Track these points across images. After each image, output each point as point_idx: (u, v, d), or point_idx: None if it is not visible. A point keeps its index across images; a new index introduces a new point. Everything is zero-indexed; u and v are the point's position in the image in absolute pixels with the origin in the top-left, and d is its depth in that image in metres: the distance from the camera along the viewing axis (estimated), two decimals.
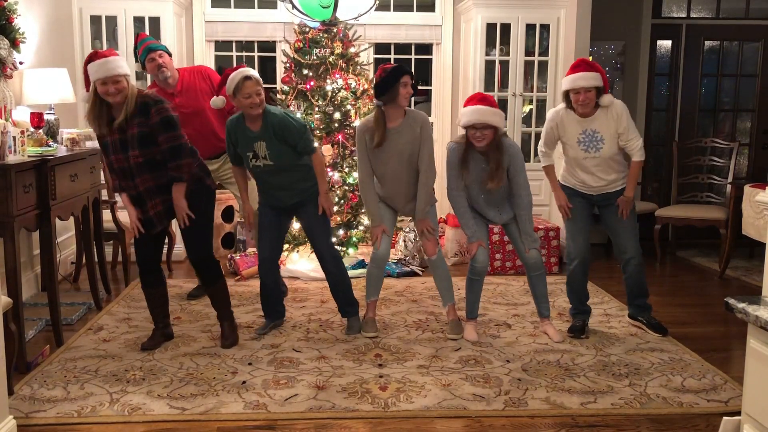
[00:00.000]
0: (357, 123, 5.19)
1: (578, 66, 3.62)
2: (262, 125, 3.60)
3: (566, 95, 3.69)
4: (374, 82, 3.71)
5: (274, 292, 3.93)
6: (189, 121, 4.16)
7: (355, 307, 3.96)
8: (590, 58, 5.85)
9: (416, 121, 3.75)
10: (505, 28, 5.71)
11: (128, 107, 3.33)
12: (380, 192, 3.88)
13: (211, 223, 3.74)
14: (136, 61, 4.41)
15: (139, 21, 5.41)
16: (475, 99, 3.62)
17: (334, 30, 5.16)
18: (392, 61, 6.13)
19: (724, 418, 2.57)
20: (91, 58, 3.34)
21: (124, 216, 4.85)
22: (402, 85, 3.60)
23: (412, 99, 5.90)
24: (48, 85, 4.37)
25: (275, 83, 5.98)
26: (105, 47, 5.41)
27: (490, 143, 3.58)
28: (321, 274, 5.04)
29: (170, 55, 4.35)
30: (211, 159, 4.45)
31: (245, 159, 3.69)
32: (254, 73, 3.58)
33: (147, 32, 5.40)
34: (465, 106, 3.64)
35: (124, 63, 3.38)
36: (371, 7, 5.23)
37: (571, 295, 3.97)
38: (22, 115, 4.06)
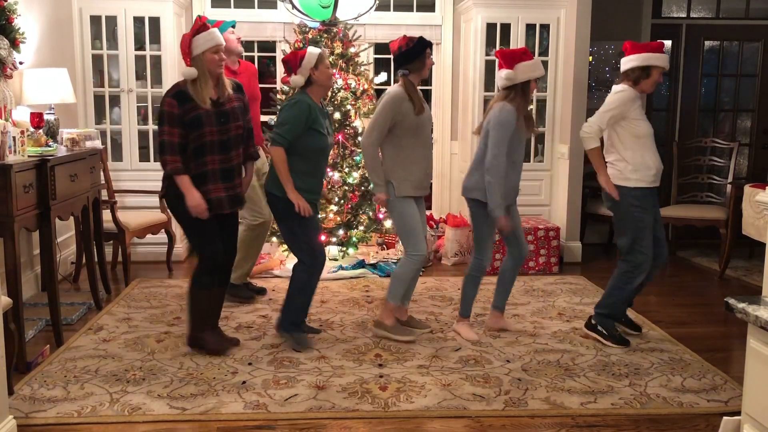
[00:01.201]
0: (357, 123, 5.20)
1: (661, 47, 3.67)
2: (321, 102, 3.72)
3: (644, 71, 3.62)
4: (400, 50, 3.65)
5: None
6: None
7: None
8: (590, 58, 5.86)
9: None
10: (505, 28, 5.71)
11: (224, 81, 3.43)
12: (413, 176, 3.66)
13: None
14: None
15: (139, 21, 5.40)
16: (530, 53, 3.68)
17: (334, 30, 5.16)
18: (392, 61, 6.13)
19: (724, 418, 2.57)
20: (198, 30, 3.34)
21: (124, 216, 4.86)
22: (427, 55, 3.66)
23: None
24: (48, 85, 4.37)
25: (275, 83, 5.99)
26: (105, 47, 5.42)
27: None
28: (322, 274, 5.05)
29: None
30: None
31: (320, 136, 3.55)
32: None
33: (147, 32, 5.42)
34: (522, 60, 3.60)
35: None
36: (371, 7, 5.23)
37: (625, 306, 3.82)
38: (22, 115, 4.06)
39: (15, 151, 3.39)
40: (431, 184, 6.06)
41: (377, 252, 5.52)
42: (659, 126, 6.63)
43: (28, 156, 3.47)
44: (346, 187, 5.13)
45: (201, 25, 3.36)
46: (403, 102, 3.60)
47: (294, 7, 5.06)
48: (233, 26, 4.37)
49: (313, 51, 3.57)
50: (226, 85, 3.44)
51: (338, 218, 5.15)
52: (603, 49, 6.34)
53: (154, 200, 5.24)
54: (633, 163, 3.59)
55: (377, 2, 5.24)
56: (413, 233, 3.68)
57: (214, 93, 3.38)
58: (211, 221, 3.40)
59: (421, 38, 3.66)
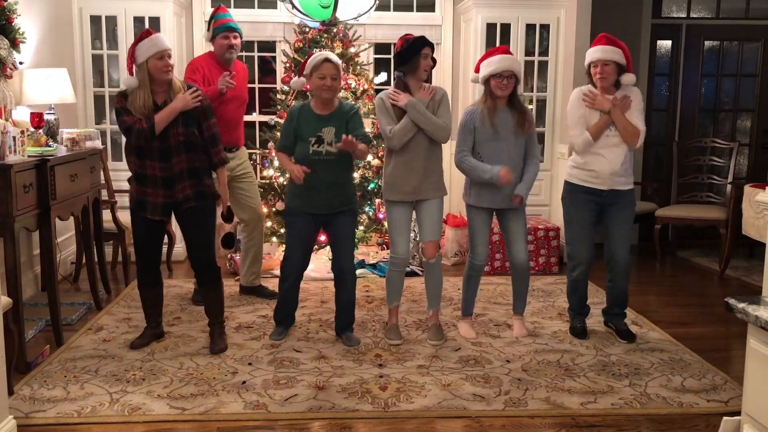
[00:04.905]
0: None
1: (599, 40, 3.67)
2: (336, 110, 3.61)
3: (588, 71, 3.72)
4: (395, 51, 3.66)
5: (293, 301, 3.86)
6: (224, 105, 4.21)
7: (353, 322, 3.88)
8: None
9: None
10: (505, 28, 5.71)
11: (175, 86, 3.44)
12: (394, 180, 3.70)
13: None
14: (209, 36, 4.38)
15: (139, 21, 5.40)
16: (500, 50, 3.67)
17: (334, 30, 5.16)
18: (392, 62, 6.13)
19: (724, 418, 2.57)
20: (141, 38, 3.39)
21: (124, 216, 4.85)
22: (423, 56, 3.58)
23: None
24: (48, 85, 4.37)
25: (275, 83, 5.98)
26: (105, 47, 5.42)
27: (511, 93, 3.68)
28: (321, 274, 5.06)
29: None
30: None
31: (303, 145, 3.57)
32: (336, 59, 3.57)
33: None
34: (486, 58, 3.65)
35: None
36: (371, 7, 5.22)
37: (572, 298, 3.95)
38: (22, 115, 4.06)
39: (15, 151, 3.39)
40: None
41: (377, 252, 5.52)
42: (659, 126, 6.64)
43: (28, 156, 3.47)
44: None
45: (143, 33, 3.43)
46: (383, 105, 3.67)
47: (294, 7, 5.05)
48: (239, 33, 4.34)
49: (315, 57, 3.57)
50: (178, 90, 3.42)
51: None
52: None
53: None
54: (574, 160, 3.78)
55: (377, 2, 5.24)
56: (390, 236, 3.79)
57: (161, 98, 3.41)
58: (139, 222, 3.53)
59: (417, 39, 3.59)
